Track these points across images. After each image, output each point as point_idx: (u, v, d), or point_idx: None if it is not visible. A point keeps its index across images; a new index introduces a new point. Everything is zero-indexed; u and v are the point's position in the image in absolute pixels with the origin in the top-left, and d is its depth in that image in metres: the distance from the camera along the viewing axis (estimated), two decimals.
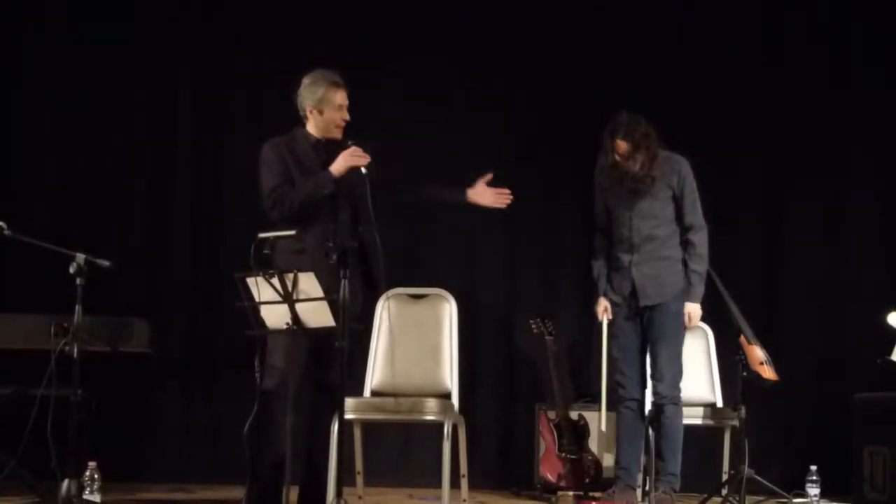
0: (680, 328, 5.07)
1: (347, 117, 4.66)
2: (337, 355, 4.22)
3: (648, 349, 5.05)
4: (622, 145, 4.97)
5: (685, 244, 5.08)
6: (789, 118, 6.49)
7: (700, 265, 5.07)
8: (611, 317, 5.12)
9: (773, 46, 6.51)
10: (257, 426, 4.47)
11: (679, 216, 5.09)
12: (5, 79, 6.35)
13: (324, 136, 4.67)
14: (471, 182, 4.81)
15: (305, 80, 4.67)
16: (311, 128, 4.68)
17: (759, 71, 6.46)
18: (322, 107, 4.65)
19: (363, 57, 6.28)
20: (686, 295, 5.04)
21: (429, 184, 4.98)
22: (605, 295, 5.14)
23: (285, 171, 4.61)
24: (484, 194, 4.83)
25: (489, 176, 4.81)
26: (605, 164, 5.08)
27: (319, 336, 4.22)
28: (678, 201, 5.08)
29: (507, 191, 4.84)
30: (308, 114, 4.67)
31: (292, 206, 4.54)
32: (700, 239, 5.07)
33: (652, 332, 5.04)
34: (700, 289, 5.07)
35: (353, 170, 4.52)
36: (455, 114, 6.41)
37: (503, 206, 4.87)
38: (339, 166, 4.54)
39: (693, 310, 5.07)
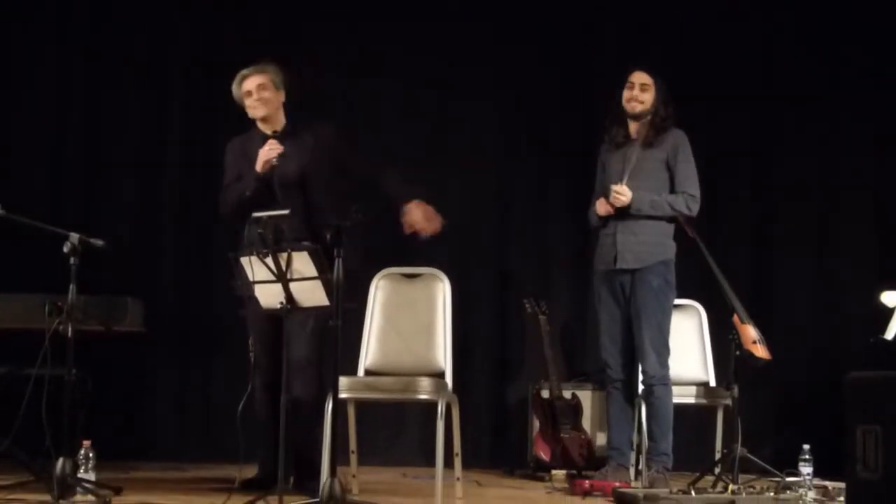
0: (663, 304, 5.05)
1: (255, 97, 4.76)
2: (300, 333, 4.43)
3: (633, 328, 5.06)
4: (642, 76, 5.05)
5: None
6: (781, 107, 6.50)
7: (671, 202, 5.02)
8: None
9: (764, 42, 6.53)
10: (250, 407, 4.52)
11: (672, 185, 5.09)
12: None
13: (264, 128, 4.80)
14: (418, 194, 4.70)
15: None
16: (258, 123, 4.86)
17: (751, 65, 6.48)
18: (240, 102, 4.83)
19: (353, 52, 6.32)
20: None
21: (388, 173, 4.86)
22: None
23: (235, 173, 4.81)
24: (415, 211, 4.65)
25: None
26: (613, 117, 5.15)
27: (282, 315, 4.23)
28: (672, 170, 5.09)
29: (440, 219, 4.69)
30: None
31: (227, 207, 4.80)
32: (685, 200, 5.04)
33: (634, 307, 5.03)
34: (648, 201, 5.00)
35: (273, 163, 4.64)
36: (445, 98, 6.40)
37: (430, 231, 4.68)
38: (258, 164, 4.68)
39: (624, 191, 4.98)
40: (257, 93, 4.78)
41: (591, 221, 5.25)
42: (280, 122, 4.84)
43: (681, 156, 5.08)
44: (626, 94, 5.12)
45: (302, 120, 4.91)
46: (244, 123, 4.93)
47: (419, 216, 4.65)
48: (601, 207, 5.09)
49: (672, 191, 5.09)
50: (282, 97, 4.83)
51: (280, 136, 4.75)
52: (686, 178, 5.08)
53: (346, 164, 4.82)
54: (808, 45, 6.48)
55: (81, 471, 4.40)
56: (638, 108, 5.09)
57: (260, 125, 4.85)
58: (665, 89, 5.12)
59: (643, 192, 5.02)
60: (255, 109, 4.80)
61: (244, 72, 4.83)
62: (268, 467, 4.71)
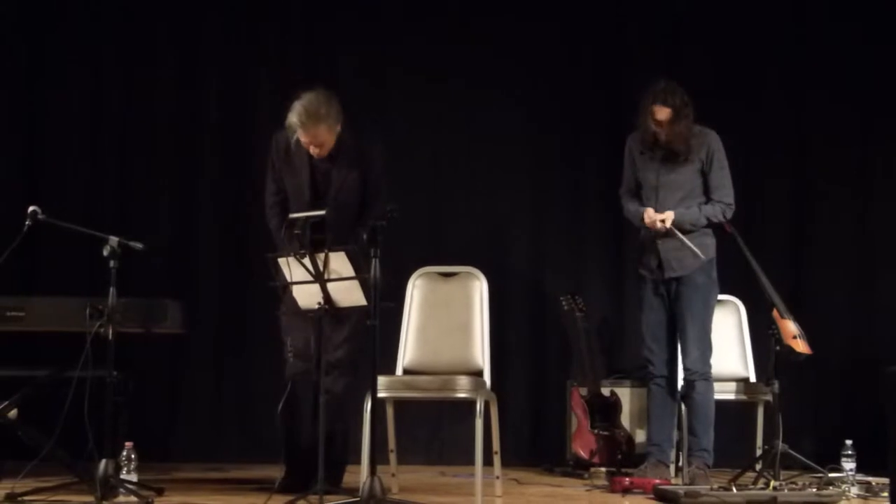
0: (707, 302, 5.05)
1: (315, 151, 4.62)
2: (338, 334, 4.44)
3: (677, 324, 5.05)
4: (663, 111, 4.95)
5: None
6: (815, 92, 6.43)
7: (708, 214, 5.02)
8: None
9: (798, 20, 6.46)
10: (288, 406, 4.54)
11: (707, 190, 5.07)
12: (34, 66, 6.37)
13: (314, 151, 4.67)
14: None
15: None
16: None
17: (784, 46, 6.42)
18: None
19: (381, 42, 6.32)
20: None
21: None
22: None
23: (277, 175, 4.75)
24: None
25: None
26: (640, 132, 5.08)
27: (320, 316, 4.24)
28: (706, 175, 5.06)
29: None
30: None
31: (271, 225, 4.79)
32: (722, 210, 5.03)
33: (679, 306, 5.04)
34: (688, 224, 4.99)
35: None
36: (476, 94, 6.38)
37: None
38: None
39: (668, 215, 4.97)
40: (319, 149, 4.64)
41: (633, 220, 5.21)
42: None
43: (715, 162, 5.06)
44: (648, 128, 5.04)
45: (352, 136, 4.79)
46: (280, 122, 4.88)
47: None
48: (647, 219, 5.05)
49: (706, 195, 5.07)
50: (338, 129, 4.66)
51: (327, 160, 4.67)
52: (721, 185, 5.06)
53: (368, 178, 4.73)
54: (844, 35, 6.41)
55: (124, 472, 4.45)
56: (669, 136, 5.02)
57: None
58: (675, 95, 4.96)
59: (681, 209, 5.01)
60: (318, 156, 4.68)
61: (296, 119, 4.58)
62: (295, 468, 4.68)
